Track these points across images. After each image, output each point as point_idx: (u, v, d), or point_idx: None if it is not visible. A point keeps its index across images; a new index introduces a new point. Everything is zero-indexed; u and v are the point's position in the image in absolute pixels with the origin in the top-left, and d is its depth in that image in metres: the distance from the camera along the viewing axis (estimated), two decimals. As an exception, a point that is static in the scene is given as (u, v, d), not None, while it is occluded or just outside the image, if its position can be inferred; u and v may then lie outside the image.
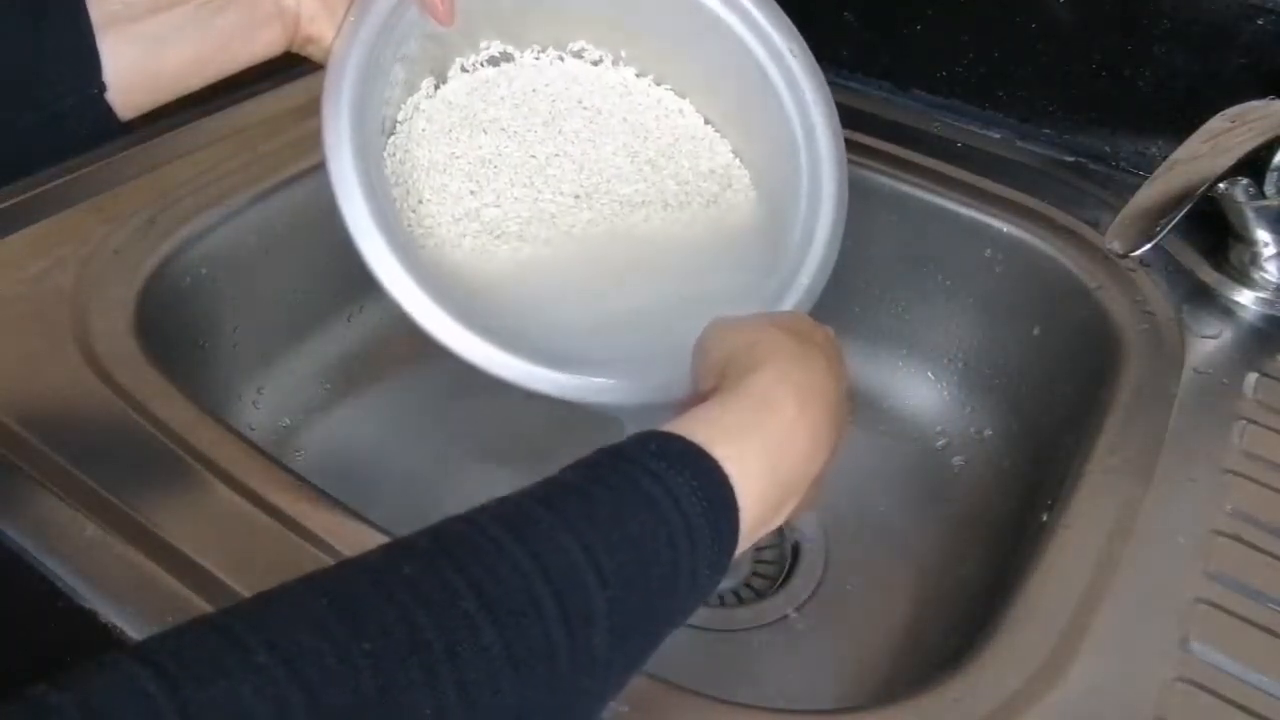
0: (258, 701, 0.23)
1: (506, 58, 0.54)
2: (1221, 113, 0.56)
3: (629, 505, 0.30)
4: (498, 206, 0.51)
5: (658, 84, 0.56)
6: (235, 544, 0.40)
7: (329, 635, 0.24)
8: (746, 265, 0.53)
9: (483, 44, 0.53)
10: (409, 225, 0.49)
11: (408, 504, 0.61)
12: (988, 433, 0.67)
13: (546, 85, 0.55)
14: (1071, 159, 0.71)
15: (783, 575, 0.60)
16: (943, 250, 0.68)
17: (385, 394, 0.68)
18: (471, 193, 0.51)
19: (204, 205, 0.59)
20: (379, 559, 0.27)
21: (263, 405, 0.64)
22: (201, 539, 0.40)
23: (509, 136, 0.53)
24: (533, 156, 0.52)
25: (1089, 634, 0.40)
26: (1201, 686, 0.38)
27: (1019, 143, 0.72)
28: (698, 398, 0.37)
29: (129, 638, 0.37)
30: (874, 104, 0.74)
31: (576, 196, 0.52)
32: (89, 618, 0.37)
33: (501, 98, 0.54)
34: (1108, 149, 0.70)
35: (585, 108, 0.55)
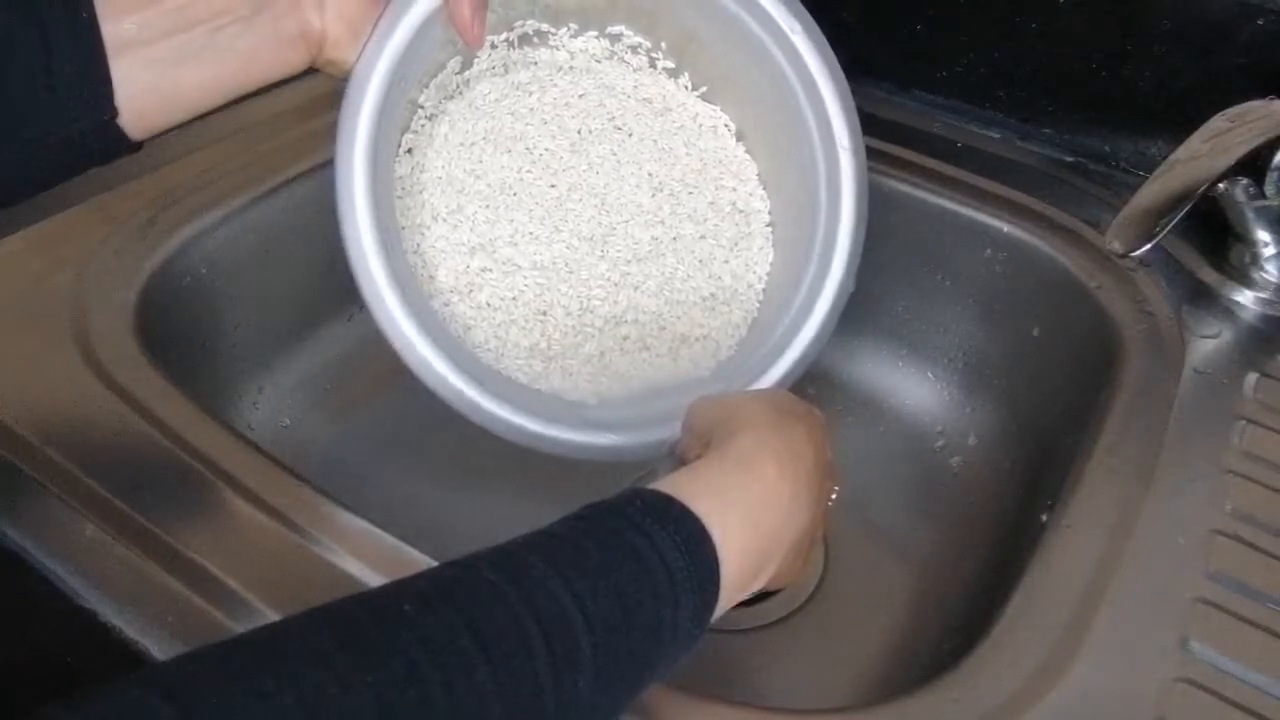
0: None
1: (540, 34, 0.53)
2: (1221, 113, 0.56)
3: (615, 556, 0.31)
4: (514, 244, 0.50)
5: (695, 88, 0.55)
6: (235, 544, 0.40)
7: (332, 667, 0.25)
8: (743, 329, 0.54)
9: (517, 23, 0.52)
10: (416, 249, 0.49)
11: (407, 504, 0.61)
12: (987, 433, 0.67)
13: (580, 97, 0.54)
14: (1071, 159, 0.71)
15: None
16: (943, 250, 0.67)
17: (385, 394, 0.68)
18: (488, 221, 0.50)
19: (204, 205, 0.59)
20: (380, 598, 0.29)
21: (263, 405, 0.64)
22: (201, 539, 0.40)
23: (533, 160, 0.52)
24: (553, 186, 0.52)
25: (1089, 634, 0.40)
26: (1201, 686, 0.38)
27: (1019, 143, 0.72)
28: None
29: (129, 638, 0.37)
30: (874, 104, 0.74)
31: (592, 239, 0.52)
32: (89, 618, 0.38)
33: (531, 109, 0.53)
34: (1108, 149, 0.70)
35: (618, 128, 0.54)
